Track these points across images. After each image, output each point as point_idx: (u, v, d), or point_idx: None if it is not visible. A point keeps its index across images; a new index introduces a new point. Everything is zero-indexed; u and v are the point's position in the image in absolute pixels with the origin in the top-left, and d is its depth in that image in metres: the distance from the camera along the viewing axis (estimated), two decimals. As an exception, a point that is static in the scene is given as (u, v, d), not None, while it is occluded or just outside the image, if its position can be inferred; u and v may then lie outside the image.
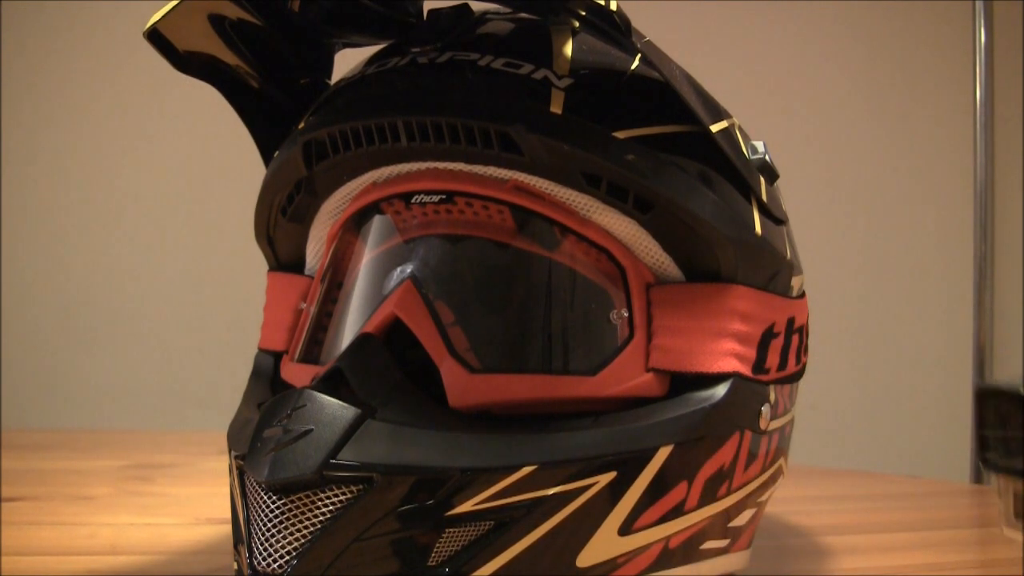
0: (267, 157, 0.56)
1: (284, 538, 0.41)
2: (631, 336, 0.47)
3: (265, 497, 0.42)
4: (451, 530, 0.43)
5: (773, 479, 0.54)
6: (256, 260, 0.60)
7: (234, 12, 0.49)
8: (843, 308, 1.34)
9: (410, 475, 0.42)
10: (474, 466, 0.43)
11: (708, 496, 0.48)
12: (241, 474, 0.45)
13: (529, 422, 0.46)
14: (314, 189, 0.53)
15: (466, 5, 0.52)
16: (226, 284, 1.33)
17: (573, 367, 0.47)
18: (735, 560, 0.54)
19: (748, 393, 0.48)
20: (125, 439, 1.14)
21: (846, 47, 1.39)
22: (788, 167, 0.57)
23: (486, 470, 0.43)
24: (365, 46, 0.55)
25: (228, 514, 0.48)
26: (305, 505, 0.42)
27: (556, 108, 0.46)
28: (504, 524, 0.43)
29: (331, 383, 0.45)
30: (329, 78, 0.57)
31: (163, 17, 0.47)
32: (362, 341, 0.47)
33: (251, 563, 0.42)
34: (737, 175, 0.48)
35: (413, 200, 0.49)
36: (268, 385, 0.56)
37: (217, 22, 0.50)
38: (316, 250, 0.56)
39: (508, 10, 0.52)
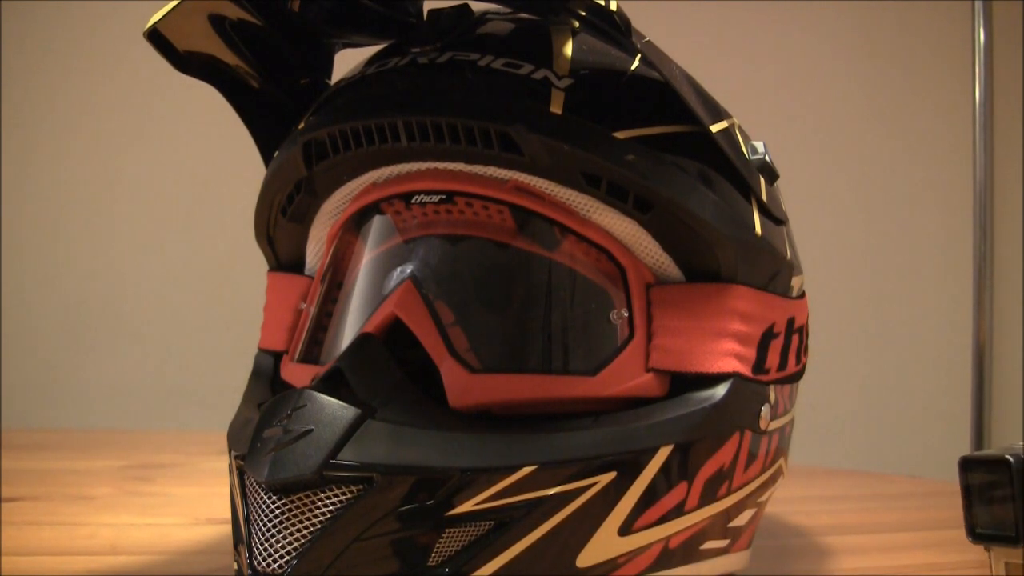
0: (267, 157, 0.56)
1: (284, 538, 0.41)
2: (631, 336, 0.47)
3: (265, 497, 0.42)
4: (451, 530, 0.43)
5: (773, 479, 0.54)
6: (256, 260, 0.60)
7: (234, 12, 0.49)
8: (843, 308, 1.34)
9: (410, 475, 0.42)
10: (474, 466, 0.43)
11: (708, 496, 0.48)
12: (241, 474, 0.45)
13: (529, 422, 0.46)
14: (314, 189, 0.53)
15: (466, 5, 0.52)
16: (226, 284, 1.32)
17: (573, 367, 0.47)
18: (735, 560, 0.54)
19: (748, 393, 0.48)
20: (125, 439, 1.14)
21: (846, 47, 1.39)
22: (788, 167, 0.57)
23: (486, 470, 0.43)
24: (365, 46, 0.55)
25: (228, 514, 0.48)
26: (305, 505, 0.42)
27: (556, 108, 0.46)
28: (504, 524, 0.43)
29: (331, 383, 0.45)
30: (329, 78, 0.57)
31: (163, 17, 0.47)
32: (362, 341, 0.47)
33: (251, 563, 0.42)
34: (737, 175, 0.48)
35: (413, 200, 0.49)
36: (268, 385, 0.56)
37: (217, 22, 0.50)
38: (316, 250, 0.56)
39: (508, 10, 0.52)
